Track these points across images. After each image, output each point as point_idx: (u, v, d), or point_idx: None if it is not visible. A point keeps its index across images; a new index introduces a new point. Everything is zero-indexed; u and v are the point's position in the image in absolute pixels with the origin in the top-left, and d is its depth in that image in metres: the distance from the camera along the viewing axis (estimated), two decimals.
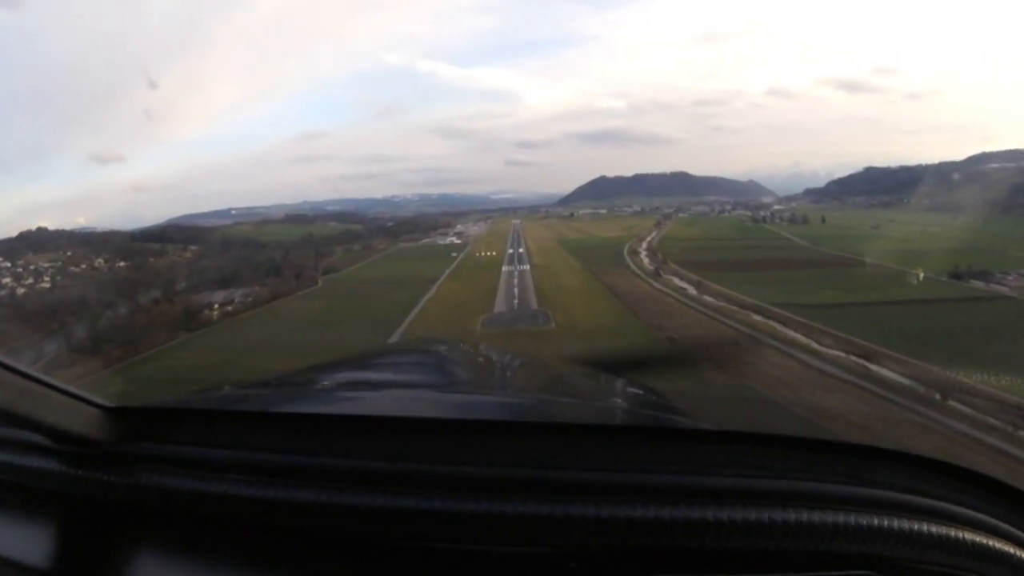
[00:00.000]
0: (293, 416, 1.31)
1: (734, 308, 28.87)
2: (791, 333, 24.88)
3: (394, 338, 22.11)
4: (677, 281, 36.12)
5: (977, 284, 33.68)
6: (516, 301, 32.46)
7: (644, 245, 49.84)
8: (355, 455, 1.04)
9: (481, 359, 2.49)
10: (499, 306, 31.78)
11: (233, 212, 66.23)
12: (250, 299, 37.36)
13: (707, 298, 31.39)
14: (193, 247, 51.76)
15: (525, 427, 1.19)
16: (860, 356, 21.29)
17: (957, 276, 34.83)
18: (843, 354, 21.83)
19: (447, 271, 43.63)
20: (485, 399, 1.67)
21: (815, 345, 23.04)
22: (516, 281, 38.11)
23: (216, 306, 34.89)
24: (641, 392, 1.93)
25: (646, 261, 43.58)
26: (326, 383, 1.92)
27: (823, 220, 59.04)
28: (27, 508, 1.23)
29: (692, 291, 33.27)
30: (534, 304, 31.15)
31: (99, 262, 46.39)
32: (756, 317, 27.30)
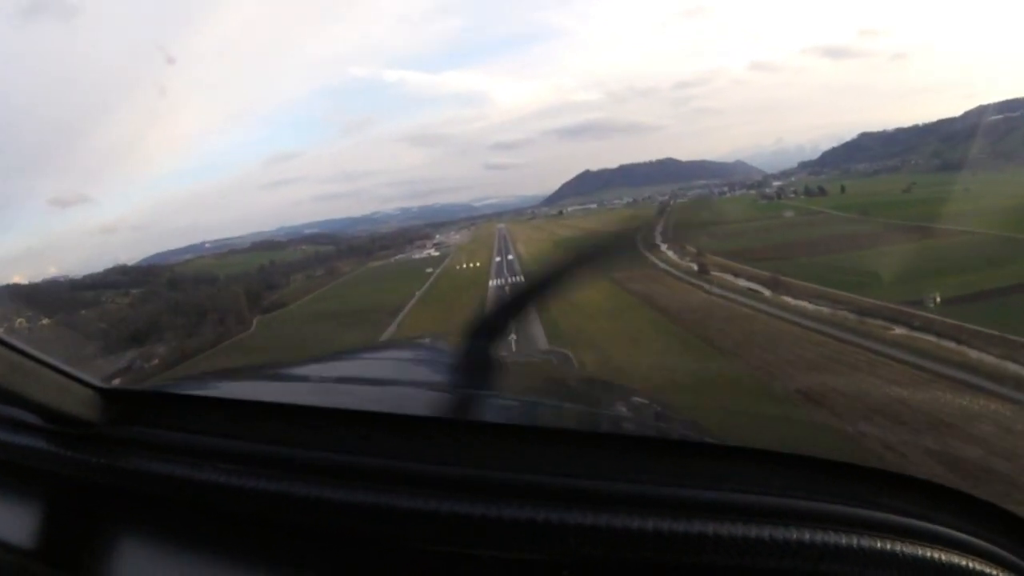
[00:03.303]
0: (287, 407, 1.22)
1: (850, 316, 17.32)
2: (987, 358, 13.64)
3: None
4: (732, 279, 24.15)
5: None
6: (513, 337, 19.47)
7: (658, 236, 38.45)
8: (348, 450, 0.98)
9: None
10: None
11: (207, 245, 56.95)
12: (155, 361, 26.25)
13: (795, 302, 19.77)
14: (135, 291, 41.82)
15: (523, 430, 1.10)
16: None
17: None
18: None
19: (418, 294, 31.91)
20: (484, 400, 1.56)
21: None
22: None
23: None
24: (644, 402, 1.88)
25: (672, 254, 31.88)
26: (323, 375, 1.79)
27: (843, 190, 49.83)
28: (14, 487, 1.17)
29: (766, 293, 21.46)
30: (542, 340, 16.67)
31: (19, 322, 35.81)
32: (898, 331, 15.91)
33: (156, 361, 26.13)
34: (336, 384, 1.65)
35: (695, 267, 27.17)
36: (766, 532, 0.82)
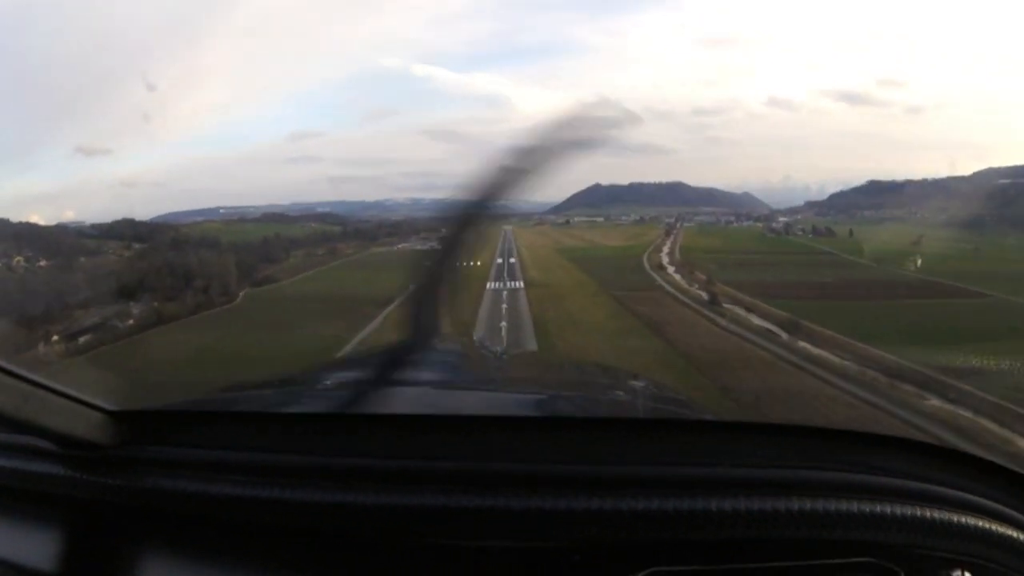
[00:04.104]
0: (296, 416, 1.22)
1: (880, 377, 15.16)
2: None
3: None
4: (745, 313, 21.89)
5: None
6: (504, 324, 16.81)
7: (665, 257, 36.11)
8: (358, 454, 0.98)
9: (486, 354, 2.27)
10: None
11: (222, 211, 53.21)
12: (130, 321, 24.42)
13: (816, 351, 17.61)
14: (137, 245, 39.37)
15: (528, 422, 1.11)
16: None
17: None
18: None
19: (411, 287, 28.88)
20: (489, 395, 1.58)
21: None
22: (505, 309, 23.30)
23: (55, 337, 21.23)
24: (643, 385, 1.81)
25: (679, 278, 29.64)
26: (328, 382, 1.79)
27: (851, 233, 46.73)
28: (33, 513, 1.16)
29: (784, 336, 19.22)
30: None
31: (17, 260, 33.62)
32: (933, 401, 13.81)
33: (131, 322, 24.40)
34: (340, 390, 1.60)
35: (704, 295, 24.93)
36: (768, 504, 0.79)
